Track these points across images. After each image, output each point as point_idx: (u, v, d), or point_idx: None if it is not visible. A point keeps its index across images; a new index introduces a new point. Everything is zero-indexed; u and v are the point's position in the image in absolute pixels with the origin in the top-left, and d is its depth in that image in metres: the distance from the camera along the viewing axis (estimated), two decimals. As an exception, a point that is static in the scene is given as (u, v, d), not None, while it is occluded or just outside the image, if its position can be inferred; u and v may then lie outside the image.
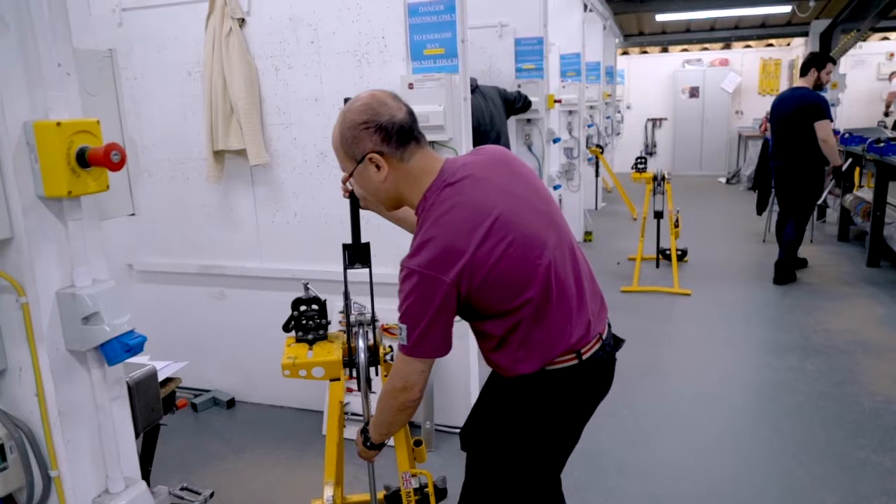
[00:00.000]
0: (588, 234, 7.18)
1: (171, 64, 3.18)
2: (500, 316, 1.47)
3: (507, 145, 4.29)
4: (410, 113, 1.51)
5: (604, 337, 1.61)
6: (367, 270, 1.90)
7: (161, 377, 1.88)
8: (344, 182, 1.57)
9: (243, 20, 2.98)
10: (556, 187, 5.23)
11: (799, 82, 5.26)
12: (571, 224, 7.10)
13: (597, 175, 8.60)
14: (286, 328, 1.89)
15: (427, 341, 1.44)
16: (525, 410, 1.56)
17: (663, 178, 5.27)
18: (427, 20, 2.72)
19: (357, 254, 1.90)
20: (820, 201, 5.81)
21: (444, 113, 2.67)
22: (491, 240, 1.40)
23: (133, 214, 1.09)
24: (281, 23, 2.95)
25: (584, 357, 1.53)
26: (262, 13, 2.97)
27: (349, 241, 1.91)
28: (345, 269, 1.89)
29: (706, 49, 12.50)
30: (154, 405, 1.42)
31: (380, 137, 1.45)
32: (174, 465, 2.96)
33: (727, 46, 12.36)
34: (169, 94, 3.23)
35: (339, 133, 1.50)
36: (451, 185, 1.47)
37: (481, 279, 1.40)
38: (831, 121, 5.00)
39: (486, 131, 4.06)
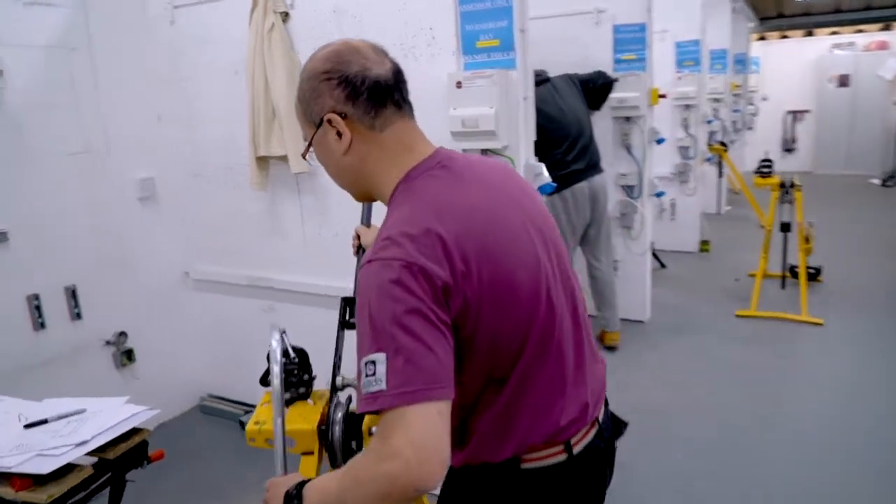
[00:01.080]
0: (704, 243, 6.38)
1: (220, 63, 2.99)
2: (492, 360, 1.04)
3: (591, 139, 3.74)
4: (397, 73, 1.11)
5: (600, 419, 1.17)
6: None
7: (125, 428, 1.65)
8: (303, 156, 1.19)
9: (287, 14, 2.72)
10: (658, 194, 4.57)
11: None
12: (685, 232, 6.37)
13: (720, 176, 7.72)
14: (263, 382, 1.57)
15: (429, 366, 0.91)
16: None
17: (792, 185, 4.50)
18: (480, 7, 2.30)
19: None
20: None
21: (495, 116, 2.25)
22: (493, 250, 1.02)
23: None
24: (324, 15, 2.65)
25: (576, 451, 1.10)
26: (305, 6, 2.69)
27: None
28: (339, 326, 1.56)
29: (860, 31, 10.96)
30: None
31: (343, 93, 1.06)
32: (210, 493, 2.82)
33: (886, 28, 10.76)
34: (218, 95, 3.05)
35: (298, 87, 1.13)
36: (447, 168, 1.09)
37: (474, 294, 0.99)
38: None
39: (565, 125, 3.60)
